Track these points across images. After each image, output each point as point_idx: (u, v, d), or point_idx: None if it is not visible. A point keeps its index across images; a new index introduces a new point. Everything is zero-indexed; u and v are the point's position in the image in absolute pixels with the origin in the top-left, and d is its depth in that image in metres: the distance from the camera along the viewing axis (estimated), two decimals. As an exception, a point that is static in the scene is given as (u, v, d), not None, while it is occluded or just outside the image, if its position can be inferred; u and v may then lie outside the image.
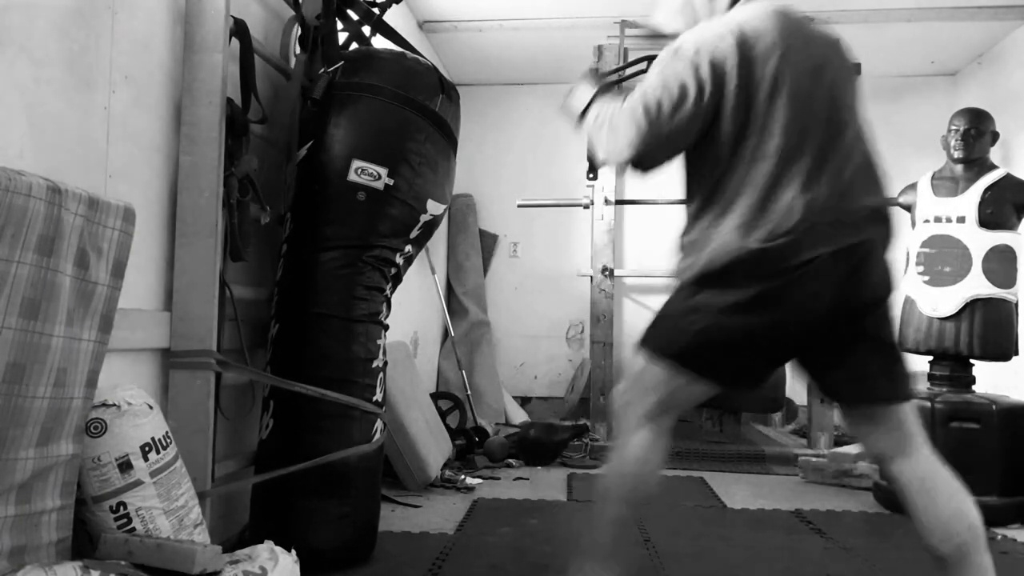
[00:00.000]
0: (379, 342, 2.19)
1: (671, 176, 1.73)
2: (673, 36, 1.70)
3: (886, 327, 1.57)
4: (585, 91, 1.76)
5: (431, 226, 2.29)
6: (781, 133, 1.50)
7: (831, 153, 1.52)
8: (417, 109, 2.16)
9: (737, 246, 1.48)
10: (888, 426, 1.55)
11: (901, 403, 1.55)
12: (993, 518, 2.78)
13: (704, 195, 1.58)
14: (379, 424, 2.17)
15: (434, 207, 2.24)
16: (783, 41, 1.55)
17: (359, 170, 2.09)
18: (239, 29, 1.96)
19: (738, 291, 1.49)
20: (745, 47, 1.53)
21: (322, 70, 2.18)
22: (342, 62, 2.20)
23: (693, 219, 1.61)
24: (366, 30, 2.49)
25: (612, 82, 1.82)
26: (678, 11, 1.81)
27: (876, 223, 1.54)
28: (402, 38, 2.52)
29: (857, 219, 1.50)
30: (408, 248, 2.26)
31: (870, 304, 1.53)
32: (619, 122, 1.59)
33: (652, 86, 1.56)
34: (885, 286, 1.55)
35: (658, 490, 1.66)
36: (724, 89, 1.53)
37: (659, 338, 1.60)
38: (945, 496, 1.52)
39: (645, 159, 1.59)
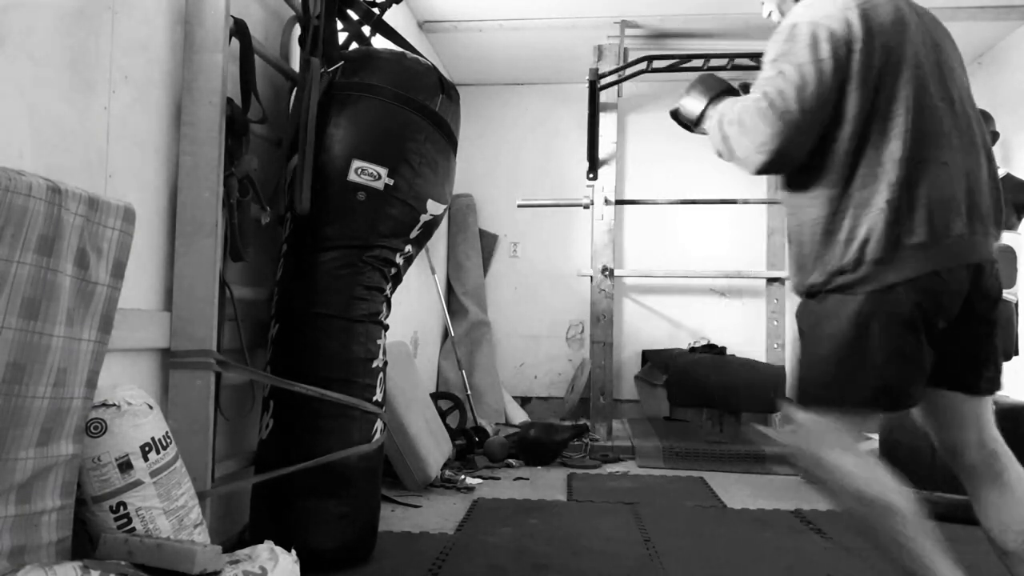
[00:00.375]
0: (379, 342, 2.19)
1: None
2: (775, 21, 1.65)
3: (990, 322, 1.53)
4: (699, 95, 1.68)
5: (431, 226, 2.29)
6: (907, 113, 1.43)
7: (960, 138, 1.47)
8: (417, 109, 2.16)
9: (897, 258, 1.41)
10: (965, 419, 1.55)
11: (983, 396, 1.56)
12: (993, 518, 2.79)
13: (829, 186, 1.48)
14: (379, 424, 2.17)
15: (434, 207, 2.24)
16: (905, 17, 1.48)
17: (359, 170, 2.09)
18: (239, 29, 1.96)
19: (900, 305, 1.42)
20: (867, 21, 1.45)
21: (322, 70, 2.18)
22: (342, 62, 2.20)
23: (822, 218, 1.49)
24: (366, 30, 2.49)
25: (729, 83, 1.70)
26: None
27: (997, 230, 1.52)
28: (402, 38, 2.52)
29: (988, 228, 1.49)
30: (408, 248, 2.26)
31: (988, 306, 1.51)
32: (747, 120, 1.47)
33: (770, 76, 1.47)
34: (998, 288, 1.52)
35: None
36: (848, 67, 1.44)
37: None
38: (1019, 493, 1.52)
39: (783, 154, 1.46)
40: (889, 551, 1.45)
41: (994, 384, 1.58)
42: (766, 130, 1.44)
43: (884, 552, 1.46)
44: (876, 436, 3.77)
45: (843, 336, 1.44)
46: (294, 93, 2.24)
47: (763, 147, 1.46)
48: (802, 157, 1.49)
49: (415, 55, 2.33)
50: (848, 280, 1.44)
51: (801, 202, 1.54)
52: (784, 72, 1.45)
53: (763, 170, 1.50)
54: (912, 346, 1.44)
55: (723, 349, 4.94)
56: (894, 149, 1.43)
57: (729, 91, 1.68)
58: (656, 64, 4.10)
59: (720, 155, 1.58)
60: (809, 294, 1.55)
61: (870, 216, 1.43)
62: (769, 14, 1.76)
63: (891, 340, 1.42)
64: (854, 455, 1.46)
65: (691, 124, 1.71)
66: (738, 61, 4.00)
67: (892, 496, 1.44)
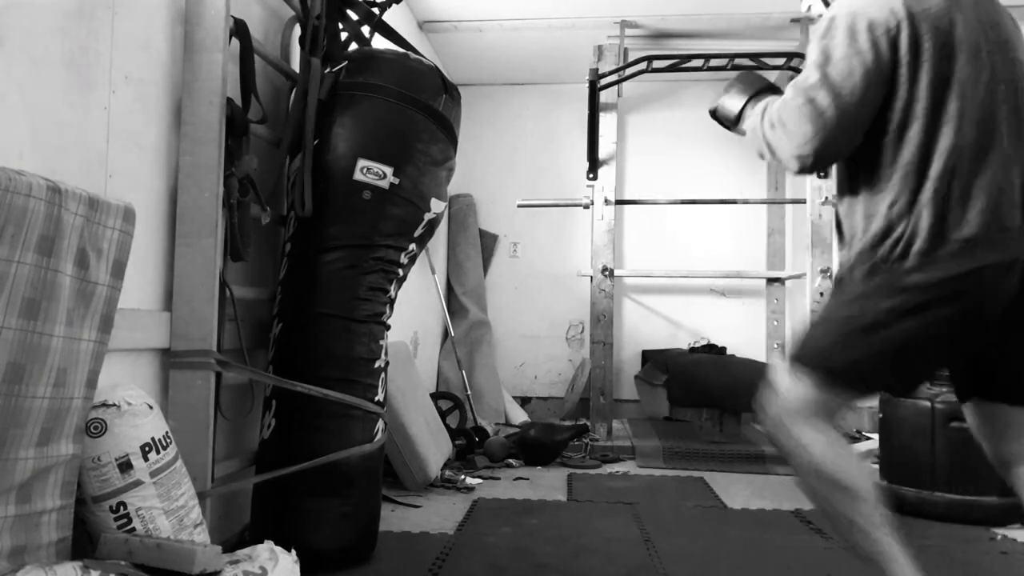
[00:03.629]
0: (381, 342, 2.19)
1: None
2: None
3: None
4: (737, 93, 1.65)
5: (434, 224, 2.29)
6: (961, 99, 1.38)
7: (1017, 143, 1.40)
8: (421, 109, 2.17)
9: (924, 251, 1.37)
10: (1015, 429, 1.51)
11: None
12: (993, 518, 2.79)
13: (881, 177, 1.43)
14: (380, 424, 2.18)
15: (437, 205, 2.25)
16: (958, 4, 1.41)
17: (364, 169, 2.09)
18: (239, 29, 1.96)
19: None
20: (911, 4, 1.40)
21: (326, 70, 2.18)
22: (346, 62, 2.21)
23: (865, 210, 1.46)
24: (365, 30, 2.49)
25: (769, 81, 1.67)
26: None
27: None
28: (402, 38, 2.52)
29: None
30: (412, 247, 2.26)
31: None
32: (787, 118, 1.43)
33: (808, 72, 1.43)
34: None
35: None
36: (894, 56, 1.39)
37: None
38: None
39: (822, 154, 1.42)
40: (845, 531, 1.47)
41: None
42: (805, 130, 1.41)
43: (839, 531, 1.49)
44: (876, 435, 3.77)
45: (866, 315, 1.41)
46: (294, 93, 2.24)
47: (803, 147, 1.42)
48: (847, 153, 1.45)
49: (417, 55, 2.33)
50: (892, 268, 1.40)
51: (855, 192, 1.49)
52: (822, 67, 1.41)
53: (804, 170, 1.47)
54: (930, 346, 1.41)
55: (723, 349, 4.94)
56: (945, 137, 1.38)
57: (769, 89, 1.64)
58: (656, 64, 4.10)
59: (761, 156, 1.56)
60: (851, 268, 1.48)
61: (918, 207, 1.38)
62: (809, 7, 1.72)
63: (909, 334, 1.39)
64: (826, 434, 1.46)
65: (730, 123, 1.68)
66: (738, 61, 3.99)
67: (858, 480, 1.45)
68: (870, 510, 1.44)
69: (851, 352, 1.43)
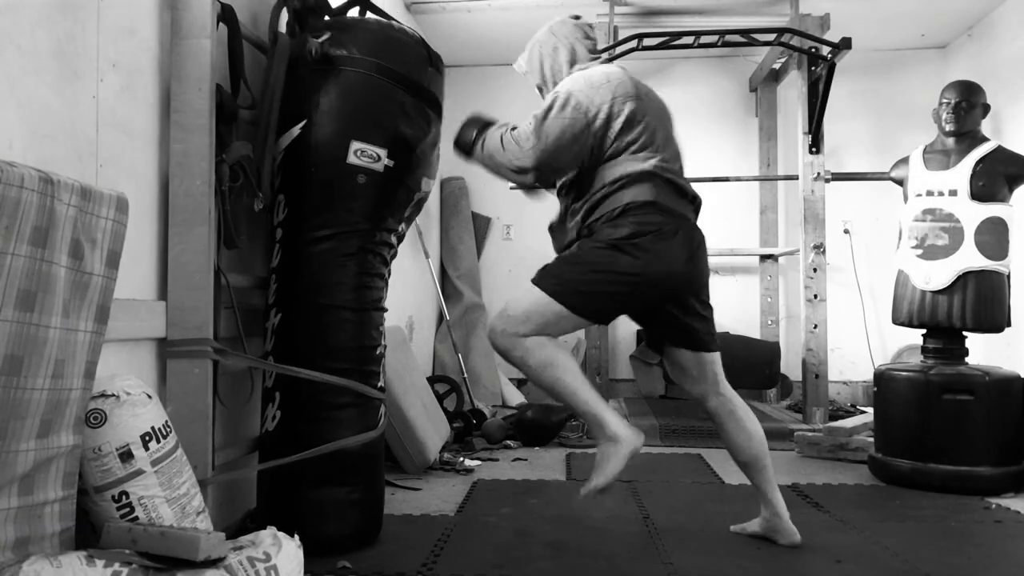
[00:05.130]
0: (380, 328, 2.19)
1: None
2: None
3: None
4: (469, 129, 2.19)
5: (421, 203, 2.28)
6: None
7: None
8: (410, 86, 2.11)
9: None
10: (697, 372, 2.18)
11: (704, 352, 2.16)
12: (987, 487, 2.82)
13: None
14: (382, 409, 2.18)
15: (427, 184, 2.23)
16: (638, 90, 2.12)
17: (359, 152, 2.04)
18: (226, 14, 1.94)
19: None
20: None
21: (309, 46, 2.08)
22: (328, 33, 2.11)
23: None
24: (354, 12, 2.46)
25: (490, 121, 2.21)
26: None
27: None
28: (388, 16, 2.48)
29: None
30: (402, 227, 2.26)
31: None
32: None
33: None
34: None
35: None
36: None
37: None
38: (746, 422, 2.18)
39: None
40: (568, 400, 1.97)
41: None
42: None
43: (569, 399, 1.97)
44: (870, 409, 3.80)
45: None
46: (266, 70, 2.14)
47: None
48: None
49: (401, 26, 2.25)
50: None
51: None
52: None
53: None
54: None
55: (717, 326, 4.95)
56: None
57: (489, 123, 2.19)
58: (646, 42, 4.07)
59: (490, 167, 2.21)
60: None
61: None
62: None
63: None
64: (546, 340, 1.98)
65: (468, 148, 2.18)
66: (729, 37, 3.98)
67: (566, 358, 1.99)
68: (581, 381, 1.98)
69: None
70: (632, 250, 1.96)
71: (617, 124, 2.04)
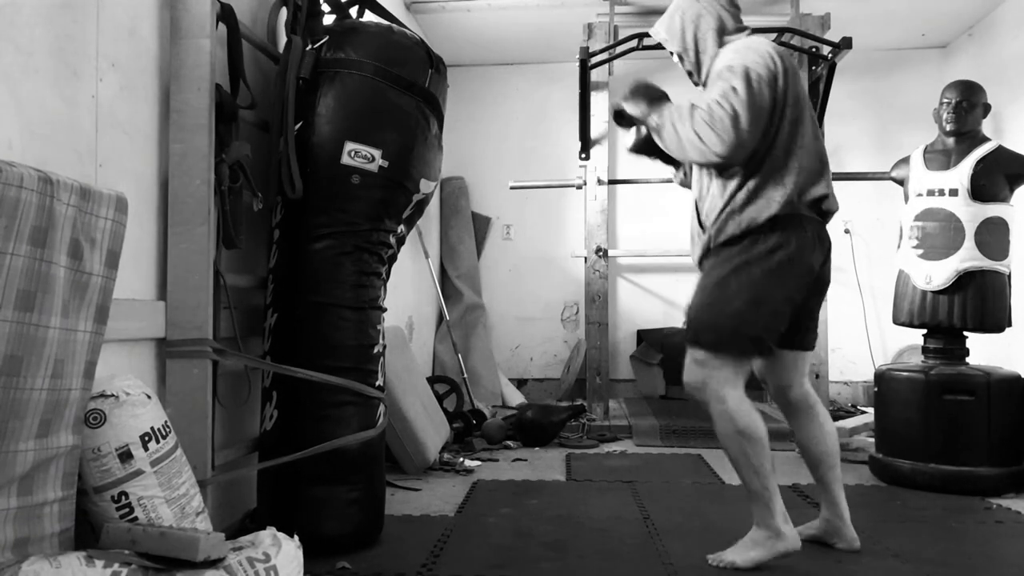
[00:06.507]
0: (379, 327, 2.18)
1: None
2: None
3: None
4: (639, 100, 2.08)
5: (423, 204, 2.27)
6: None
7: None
8: (408, 87, 2.12)
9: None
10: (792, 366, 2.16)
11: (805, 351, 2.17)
12: (987, 488, 2.82)
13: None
14: (382, 408, 2.18)
15: (426, 185, 2.22)
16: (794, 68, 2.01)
17: (352, 152, 2.05)
18: (226, 14, 1.94)
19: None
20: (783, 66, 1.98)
21: (308, 47, 2.13)
22: (327, 36, 2.14)
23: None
24: (353, 11, 2.46)
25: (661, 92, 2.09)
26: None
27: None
28: (390, 14, 2.48)
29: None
30: (401, 228, 2.25)
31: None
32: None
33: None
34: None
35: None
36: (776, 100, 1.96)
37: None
38: (823, 417, 2.17)
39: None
40: (748, 473, 1.97)
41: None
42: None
43: (743, 472, 1.99)
44: (871, 409, 3.80)
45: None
46: (276, 74, 2.20)
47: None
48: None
49: (402, 28, 2.27)
50: None
51: None
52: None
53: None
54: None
55: (718, 327, 4.95)
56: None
57: (665, 96, 2.10)
58: (647, 41, 4.06)
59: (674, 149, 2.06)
60: None
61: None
62: None
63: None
64: (742, 395, 1.98)
65: (638, 121, 2.11)
66: (729, 37, 3.96)
67: (763, 432, 1.96)
68: (769, 459, 1.97)
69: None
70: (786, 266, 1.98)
71: (791, 99, 1.97)
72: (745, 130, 1.88)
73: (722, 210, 2.04)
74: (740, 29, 2.13)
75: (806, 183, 1.99)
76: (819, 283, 2.09)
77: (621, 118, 2.14)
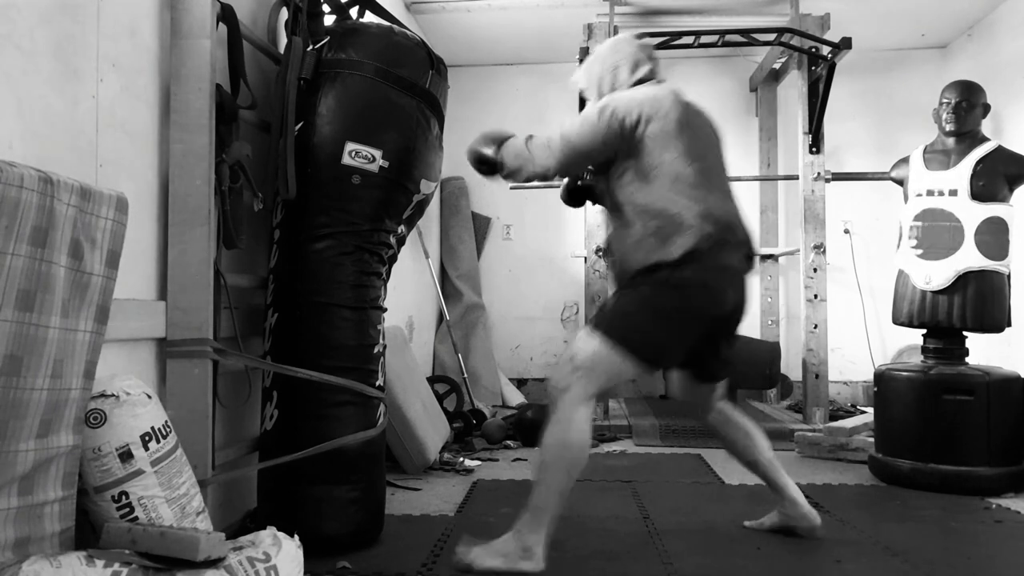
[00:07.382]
0: (379, 327, 2.18)
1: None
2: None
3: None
4: (488, 143, 2.15)
5: (423, 205, 2.28)
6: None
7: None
8: (409, 88, 2.12)
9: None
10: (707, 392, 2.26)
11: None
12: (987, 487, 2.82)
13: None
14: (382, 408, 2.18)
15: (426, 186, 2.22)
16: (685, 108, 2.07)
17: (353, 153, 2.06)
18: (226, 14, 1.94)
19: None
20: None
21: (308, 47, 2.13)
22: (328, 37, 2.15)
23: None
24: (353, 12, 2.46)
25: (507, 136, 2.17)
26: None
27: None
28: (390, 15, 2.48)
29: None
30: (401, 229, 2.25)
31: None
32: None
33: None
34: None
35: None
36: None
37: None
38: (740, 421, 2.28)
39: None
40: (547, 485, 1.89)
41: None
42: None
43: (542, 487, 1.89)
44: (870, 409, 3.80)
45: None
46: (277, 75, 2.20)
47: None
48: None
49: (403, 29, 2.28)
50: None
51: None
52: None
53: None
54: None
55: (718, 327, 4.95)
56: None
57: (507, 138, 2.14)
58: (647, 41, 4.07)
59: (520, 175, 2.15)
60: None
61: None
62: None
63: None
64: (591, 414, 1.95)
65: (489, 163, 2.13)
66: (729, 37, 3.98)
67: (584, 459, 1.92)
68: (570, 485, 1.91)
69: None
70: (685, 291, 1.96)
71: (653, 130, 1.98)
72: (571, 147, 2.04)
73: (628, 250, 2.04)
74: (656, 81, 2.21)
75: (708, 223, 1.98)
76: (720, 323, 2.06)
77: (482, 163, 2.16)
